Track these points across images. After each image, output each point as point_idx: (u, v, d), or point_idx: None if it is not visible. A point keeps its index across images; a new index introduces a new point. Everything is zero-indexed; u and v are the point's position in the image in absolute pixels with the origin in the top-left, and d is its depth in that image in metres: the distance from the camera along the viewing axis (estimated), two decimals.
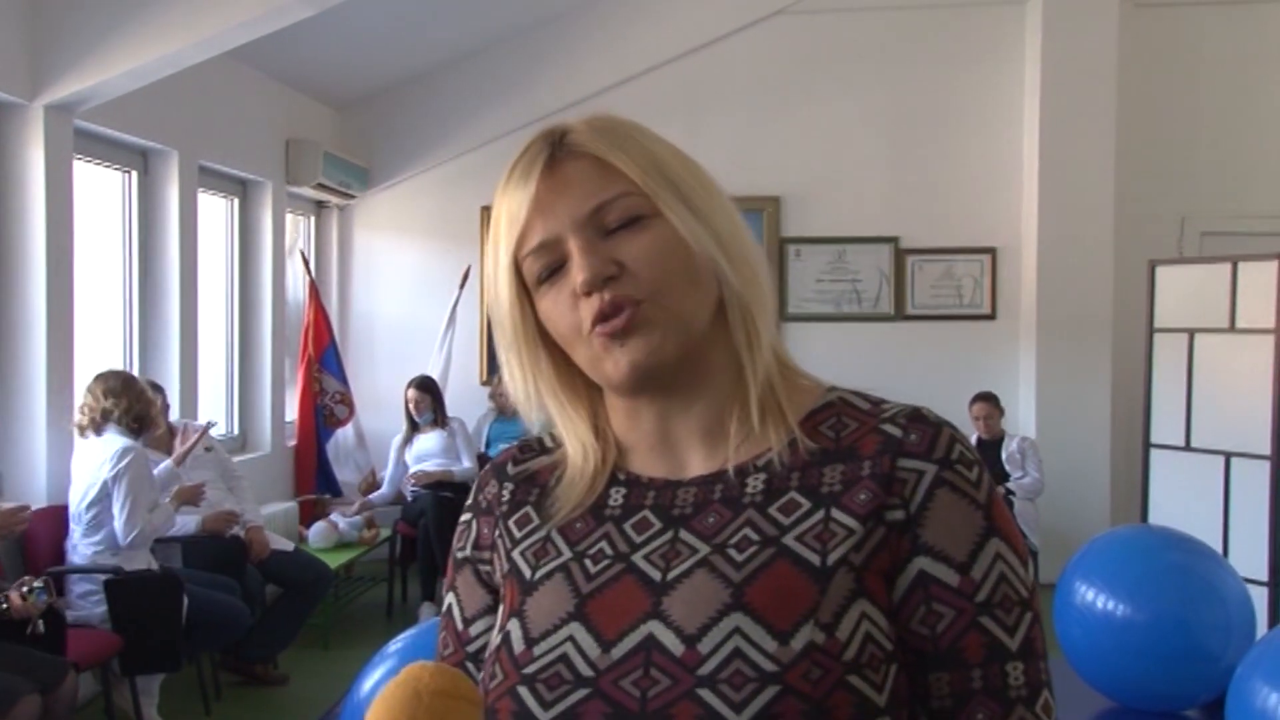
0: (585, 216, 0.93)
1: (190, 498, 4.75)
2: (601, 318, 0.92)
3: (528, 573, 0.97)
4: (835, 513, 0.91)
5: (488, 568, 1.03)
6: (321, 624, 5.62)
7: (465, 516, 1.06)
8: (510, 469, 1.05)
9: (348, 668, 4.07)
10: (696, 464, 0.97)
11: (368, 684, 2.77)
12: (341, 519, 6.05)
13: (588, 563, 0.95)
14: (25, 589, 3.77)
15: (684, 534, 0.94)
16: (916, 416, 0.94)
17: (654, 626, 0.89)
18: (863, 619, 0.88)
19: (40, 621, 3.78)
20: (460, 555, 1.05)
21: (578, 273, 0.92)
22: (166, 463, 4.76)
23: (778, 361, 0.98)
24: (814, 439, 0.95)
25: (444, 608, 1.06)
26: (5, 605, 3.76)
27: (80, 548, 4.36)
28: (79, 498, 4.36)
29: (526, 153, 0.96)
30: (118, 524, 4.31)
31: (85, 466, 4.38)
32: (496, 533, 1.02)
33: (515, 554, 1.00)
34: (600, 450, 1.00)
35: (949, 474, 0.91)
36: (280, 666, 5.17)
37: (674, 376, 0.95)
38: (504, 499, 1.03)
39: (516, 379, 0.99)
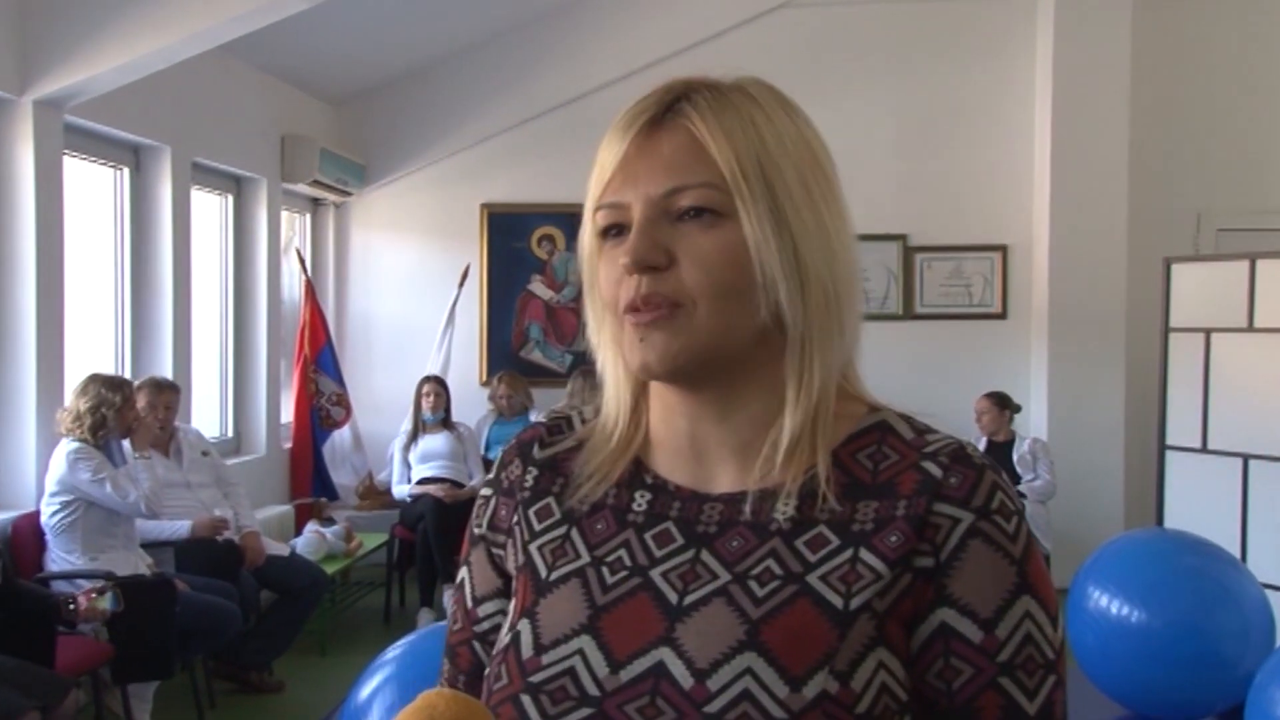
0: (658, 195, 0.89)
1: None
2: (632, 308, 0.89)
3: (543, 571, 0.95)
4: (864, 554, 0.87)
5: (500, 551, 1.00)
6: (318, 630, 5.56)
7: (485, 492, 1.03)
8: (536, 452, 1.01)
9: (344, 674, 4.05)
10: (725, 480, 0.93)
11: (364, 691, 2.72)
12: (327, 529, 5.94)
13: (605, 571, 0.93)
14: (95, 594, 3.85)
15: (705, 555, 0.91)
16: (959, 456, 0.89)
17: (665, 654, 0.87)
18: (879, 669, 0.85)
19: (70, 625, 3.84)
20: (477, 531, 1.03)
21: (626, 251, 0.89)
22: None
23: (836, 388, 0.93)
24: (851, 468, 0.90)
25: (457, 580, 1.04)
26: (72, 606, 3.83)
27: (54, 554, 4.31)
28: (45, 508, 4.33)
29: (639, 103, 0.92)
30: (119, 505, 4.26)
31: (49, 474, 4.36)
32: (515, 518, 0.99)
33: (532, 547, 0.97)
34: (628, 424, 0.97)
35: (985, 524, 0.87)
36: (276, 673, 5.11)
37: (702, 385, 0.91)
38: (526, 484, 1.00)
39: (591, 322, 0.97)
